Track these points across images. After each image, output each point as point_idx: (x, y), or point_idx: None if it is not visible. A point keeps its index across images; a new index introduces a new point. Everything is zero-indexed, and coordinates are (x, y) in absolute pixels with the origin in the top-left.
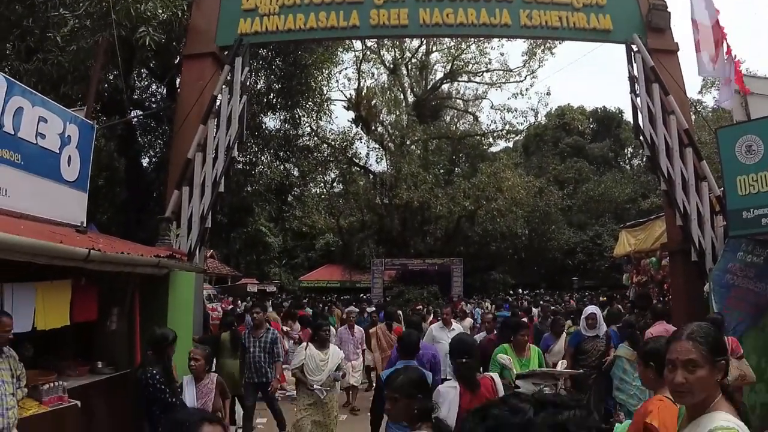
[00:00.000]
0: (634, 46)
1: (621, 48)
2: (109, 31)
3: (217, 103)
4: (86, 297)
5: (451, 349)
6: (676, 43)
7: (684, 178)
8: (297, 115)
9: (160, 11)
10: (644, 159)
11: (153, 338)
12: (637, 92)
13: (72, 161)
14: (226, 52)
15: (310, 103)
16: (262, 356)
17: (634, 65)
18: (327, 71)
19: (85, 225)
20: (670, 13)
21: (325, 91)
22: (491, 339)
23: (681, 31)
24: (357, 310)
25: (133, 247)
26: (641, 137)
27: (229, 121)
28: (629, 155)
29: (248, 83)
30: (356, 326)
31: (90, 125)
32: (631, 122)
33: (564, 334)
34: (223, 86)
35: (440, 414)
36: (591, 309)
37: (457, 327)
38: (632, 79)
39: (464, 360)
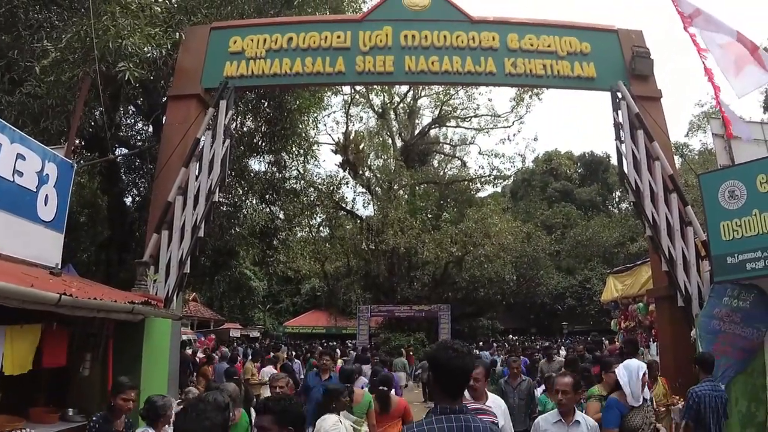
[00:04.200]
0: (618, 93)
1: (606, 95)
2: (91, 66)
3: (201, 146)
4: (57, 342)
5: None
6: (659, 90)
7: (669, 223)
8: (283, 159)
9: (145, 48)
10: (631, 204)
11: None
12: (622, 139)
13: (49, 200)
14: (211, 94)
15: (295, 147)
16: None
17: (619, 112)
18: (314, 116)
19: (59, 266)
20: (653, 60)
21: (311, 135)
22: None
23: (662, 77)
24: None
25: (108, 291)
26: (626, 183)
27: (212, 165)
28: (617, 199)
29: (233, 126)
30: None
31: (69, 164)
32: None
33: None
34: (207, 129)
35: None
36: (638, 364)
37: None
38: (617, 126)
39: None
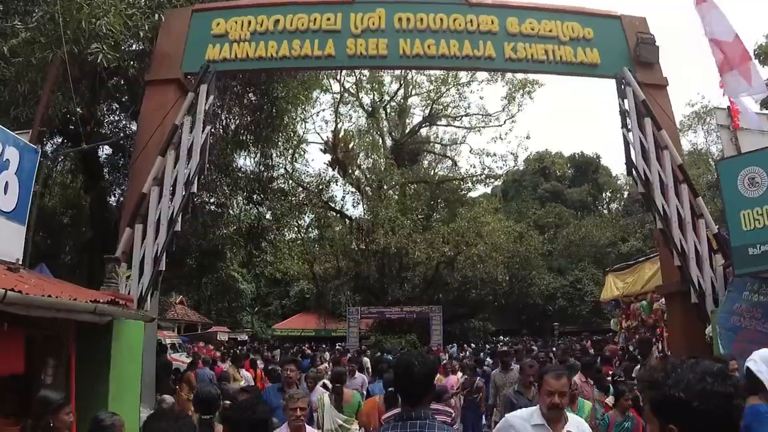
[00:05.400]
0: (624, 80)
1: (606, 86)
2: (62, 47)
3: (179, 133)
4: (10, 346)
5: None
6: (665, 78)
7: (680, 215)
8: (269, 153)
9: (120, 30)
10: (622, 203)
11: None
12: (629, 127)
13: (9, 188)
14: (191, 79)
15: (281, 139)
16: None
17: (625, 100)
18: (301, 107)
19: (21, 262)
20: (658, 47)
21: (299, 129)
22: None
23: (668, 66)
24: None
25: (72, 290)
26: (634, 173)
27: (190, 153)
28: (607, 200)
29: (216, 115)
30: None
31: (34, 149)
32: (609, 168)
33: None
34: (186, 115)
35: None
36: None
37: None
38: (623, 114)
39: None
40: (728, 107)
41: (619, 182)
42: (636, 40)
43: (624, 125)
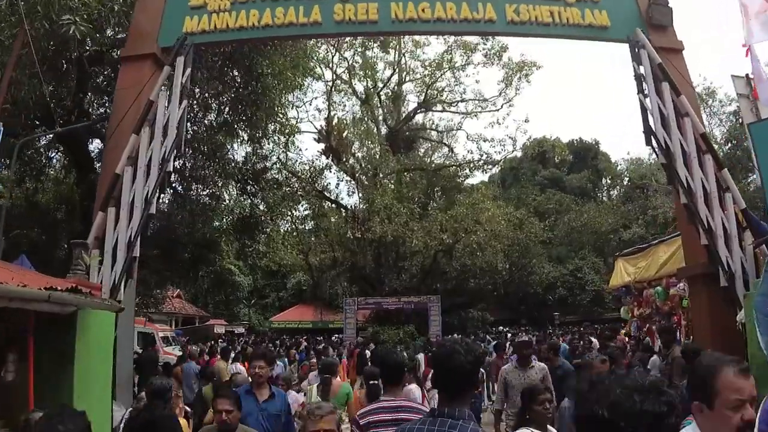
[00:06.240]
0: (638, 42)
1: (604, 67)
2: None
3: (154, 108)
4: None
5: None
6: (681, 41)
7: (705, 189)
8: (259, 139)
9: (92, 3)
10: (622, 190)
11: None
12: (646, 92)
13: None
14: (168, 53)
15: (271, 122)
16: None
17: (640, 66)
18: (289, 88)
19: None
20: (671, 8)
21: (290, 114)
22: None
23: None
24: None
25: (31, 276)
26: (654, 142)
27: (167, 130)
28: (606, 186)
29: (193, 93)
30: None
31: None
32: (608, 153)
33: None
34: (163, 91)
35: None
36: None
37: None
38: (639, 78)
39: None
40: (747, 75)
41: (618, 168)
42: (647, 1)
43: (640, 90)
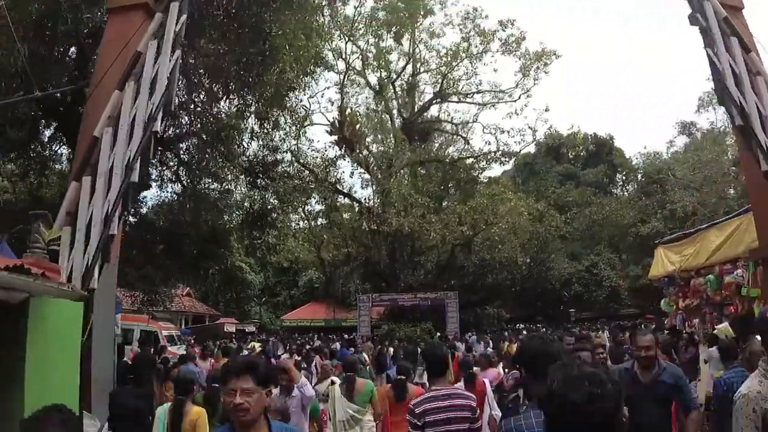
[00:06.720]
0: None
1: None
2: None
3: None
4: None
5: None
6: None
7: None
8: (270, 118)
9: None
10: (638, 185)
11: None
12: (715, 50)
13: None
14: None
15: (284, 107)
16: None
17: (705, 17)
18: (300, 54)
19: None
20: None
21: (303, 98)
22: None
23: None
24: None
25: None
26: (727, 102)
27: (154, 86)
28: (621, 182)
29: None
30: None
31: None
32: (623, 149)
33: None
34: (153, 41)
35: None
36: None
37: None
38: (705, 32)
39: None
40: None
41: (633, 163)
42: None
43: (707, 45)
